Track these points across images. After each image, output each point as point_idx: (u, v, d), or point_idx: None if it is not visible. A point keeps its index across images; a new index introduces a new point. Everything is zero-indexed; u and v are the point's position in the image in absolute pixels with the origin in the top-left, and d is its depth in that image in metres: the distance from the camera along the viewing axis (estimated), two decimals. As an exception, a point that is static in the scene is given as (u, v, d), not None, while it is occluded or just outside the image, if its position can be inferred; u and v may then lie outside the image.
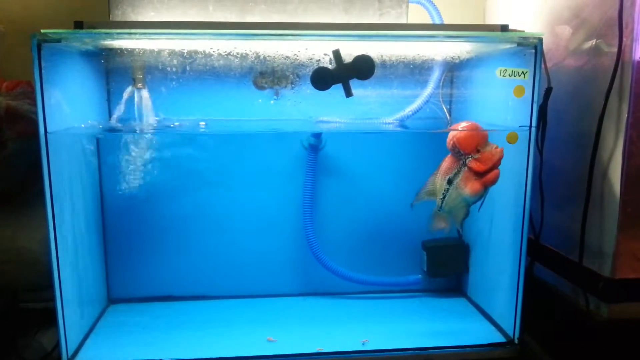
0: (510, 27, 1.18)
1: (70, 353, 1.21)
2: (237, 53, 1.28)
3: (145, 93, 1.33)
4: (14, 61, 1.43)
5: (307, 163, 1.50)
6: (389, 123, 1.43)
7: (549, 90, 1.20)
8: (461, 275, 1.61)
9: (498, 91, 1.30)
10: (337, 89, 1.18)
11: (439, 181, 1.23)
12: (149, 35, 1.14)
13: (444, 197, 1.23)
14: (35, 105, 1.10)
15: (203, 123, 1.38)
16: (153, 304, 1.53)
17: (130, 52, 1.29)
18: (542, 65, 1.17)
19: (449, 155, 1.22)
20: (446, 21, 1.43)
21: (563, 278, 1.32)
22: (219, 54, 1.29)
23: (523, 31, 1.18)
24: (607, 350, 1.19)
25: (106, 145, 1.44)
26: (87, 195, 1.38)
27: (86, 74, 1.35)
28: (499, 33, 1.18)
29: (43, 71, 1.09)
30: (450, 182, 1.21)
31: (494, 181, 1.18)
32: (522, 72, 1.18)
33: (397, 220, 1.55)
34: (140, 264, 1.52)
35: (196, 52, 1.31)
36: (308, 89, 1.19)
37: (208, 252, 1.54)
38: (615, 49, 1.11)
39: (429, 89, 1.43)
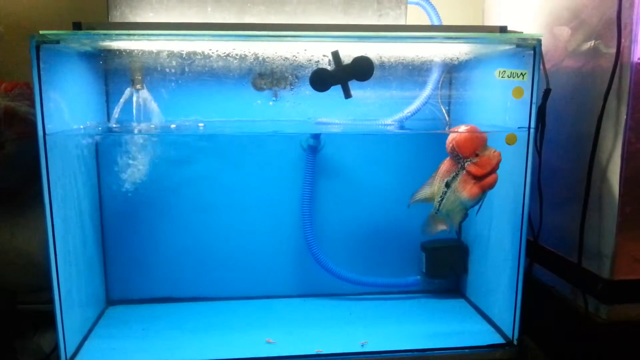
0: (509, 29, 1.18)
1: (69, 355, 1.21)
2: (236, 54, 1.28)
3: (143, 94, 1.32)
4: (12, 62, 1.43)
5: (306, 164, 1.50)
6: (387, 124, 1.43)
7: (547, 92, 1.20)
8: (460, 276, 1.61)
9: (497, 92, 1.30)
10: (336, 90, 1.18)
11: (437, 184, 1.23)
12: (147, 36, 1.14)
13: (441, 200, 1.23)
14: (33, 106, 1.10)
15: (202, 124, 1.38)
16: (152, 305, 1.52)
17: (129, 53, 1.29)
18: (541, 67, 1.17)
19: (448, 158, 1.22)
20: (445, 22, 1.43)
21: (562, 279, 1.32)
22: (218, 55, 1.29)
23: (522, 32, 1.18)
24: (606, 352, 1.19)
25: (105, 146, 1.44)
26: (86, 197, 1.38)
27: (85, 75, 1.34)
28: (498, 34, 1.18)
29: (42, 72, 1.08)
30: (448, 185, 1.21)
31: (491, 185, 1.19)
32: (521, 74, 1.18)
33: (396, 221, 1.55)
34: (139, 266, 1.52)
35: (195, 53, 1.31)
36: (307, 90, 1.19)
37: (207, 254, 1.53)
38: (614, 50, 1.11)
39: (427, 90, 1.43)
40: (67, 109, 1.20)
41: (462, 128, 1.20)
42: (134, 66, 1.31)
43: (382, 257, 1.58)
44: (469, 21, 1.64)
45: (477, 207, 1.22)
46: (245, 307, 1.52)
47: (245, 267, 1.55)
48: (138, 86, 1.32)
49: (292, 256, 1.57)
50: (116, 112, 1.34)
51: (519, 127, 1.21)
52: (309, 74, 1.17)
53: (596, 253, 1.19)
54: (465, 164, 1.19)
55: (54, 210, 1.14)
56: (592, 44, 1.20)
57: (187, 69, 1.34)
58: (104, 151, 1.44)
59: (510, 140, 1.20)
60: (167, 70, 1.33)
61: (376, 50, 1.29)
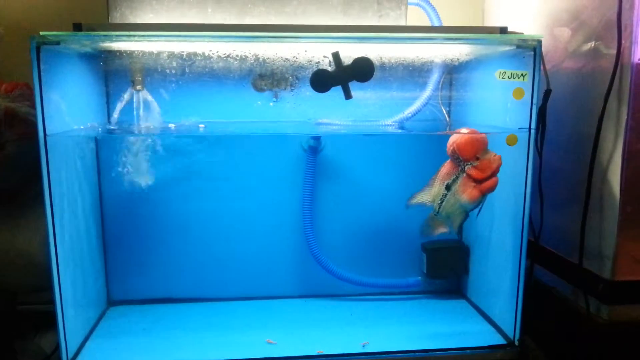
0: (509, 30, 1.18)
1: (70, 356, 1.21)
2: (237, 55, 1.28)
3: (144, 95, 1.33)
4: (12, 63, 1.43)
5: (307, 165, 1.50)
6: (388, 125, 1.43)
7: (548, 92, 1.20)
8: (461, 277, 1.61)
9: (497, 93, 1.30)
10: (336, 91, 1.18)
11: (437, 186, 1.23)
12: (147, 37, 1.14)
13: (441, 202, 1.23)
14: (34, 107, 1.10)
15: (202, 125, 1.38)
16: (153, 306, 1.52)
17: (129, 54, 1.29)
18: (541, 68, 1.17)
19: (448, 160, 1.22)
20: (445, 23, 1.43)
21: (563, 280, 1.32)
22: (218, 56, 1.29)
23: (522, 33, 1.18)
24: (607, 353, 1.19)
25: (105, 147, 1.44)
26: (86, 197, 1.38)
27: (85, 76, 1.34)
28: (498, 35, 1.18)
29: (42, 73, 1.08)
30: (448, 187, 1.21)
31: (491, 189, 1.18)
32: (522, 74, 1.18)
33: (396, 222, 1.55)
34: (140, 266, 1.52)
35: (195, 54, 1.31)
36: (307, 91, 1.19)
37: (208, 254, 1.53)
38: (614, 51, 1.11)
39: (428, 91, 1.43)
40: (67, 109, 1.20)
41: (464, 131, 1.20)
42: (134, 67, 1.31)
43: (383, 258, 1.58)
44: (469, 22, 1.64)
45: (477, 210, 1.22)
46: (245, 307, 1.52)
47: (245, 267, 1.55)
48: (138, 87, 1.32)
49: (292, 257, 1.57)
50: (116, 113, 1.34)
51: (519, 128, 1.21)
52: (310, 75, 1.17)
53: (597, 254, 1.19)
54: (466, 167, 1.19)
55: (54, 211, 1.14)
56: (593, 45, 1.20)
57: (187, 70, 1.34)
58: (105, 152, 1.45)
59: (511, 141, 1.20)
60: (168, 71, 1.33)
61: (376, 51, 1.29)
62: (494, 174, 1.17)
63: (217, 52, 1.28)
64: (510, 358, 1.28)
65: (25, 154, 1.36)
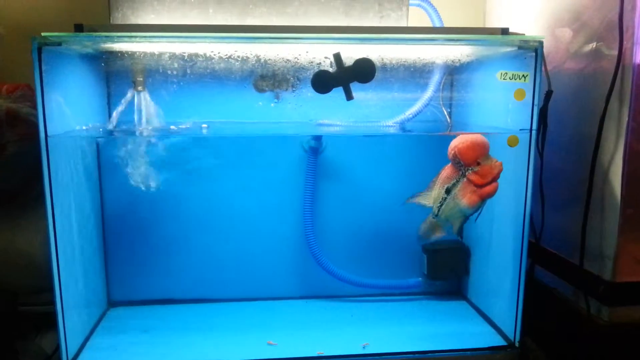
0: (510, 30, 1.18)
1: (70, 356, 1.21)
2: (238, 56, 1.28)
3: (145, 96, 1.33)
4: (14, 64, 1.43)
5: (308, 166, 1.50)
6: (389, 126, 1.43)
7: (549, 93, 1.20)
8: (461, 278, 1.61)
9: (498, 94, 1.30)
10: (337, 92, 1.18)
11: (437, 189, 1.23)
12: (149, 38, 1.14)
13: (440, 205, 1.23)
14: (35, 108, 1.10)
15: (205, 125, 1.38)
16: (153, 307, 1.52)
17: (131, 55, 1.29)
18: (543, 69, 1.17)
19: (449, 164, 1.22)
20: (446, 24, 1.43)
21: (564, 281, 1.32)
22: (220, 57, 1.29)
23: (523, 34, 1.18)
24: (608, 354, 1.19)
25: (106, 148, 1.44)
26: (87, 198, 1.38)
27: (86, 77, 1.35)
28: (500, 36, 1.18)
29: (43, 74, 1.08)
30: (448, 191, 1.21)
31: (491, 194, 1.18)
32: (523, 75, 1.18)
33: (397, 223, 1.55)
34: (140, 267, 1.52)
35: (196, 55, 1.31)
36: (309, 92, 1.19)
37: (208, 255, 1.53)
38: (616, 52, 1.11)
39: (429, 92, 1.43)
40: (68, 110, 1.20)
41: (467, 136, 1.19)
42: (135, 68, 1.31)
43: (384, 259, 1.58)
44: (471, 23, 1.64)
45: (476, 214, 1.22)
46: (246, 308, 1.52)
47: (246, 268, 1.55)
48: (139, 88, 1.32)
49: (293, 258, 1.56)
50: (118, 114, 1.34)
51: (520, 129, 1.21)
52: (311, 76, 1.17)
53: (598, 255, 1.19)
54: (467, 172, 1.18)
55: (55, 212, 1.14)
56: (594, 46, 1.20)
57: (188, 71, 1.34)
58: (106, 153, 1.45)
59: (512, 142, 1.20)
60: (169, 72, 1.33)
61: (378, 52, 1.29)
62: (494, 179, 1.17)
63: (219, 53, 1.28)
64: (511, 359, 1.28)
65: (26, 154, 1.36)
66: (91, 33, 1.10)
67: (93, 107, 1.39)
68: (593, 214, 1.20)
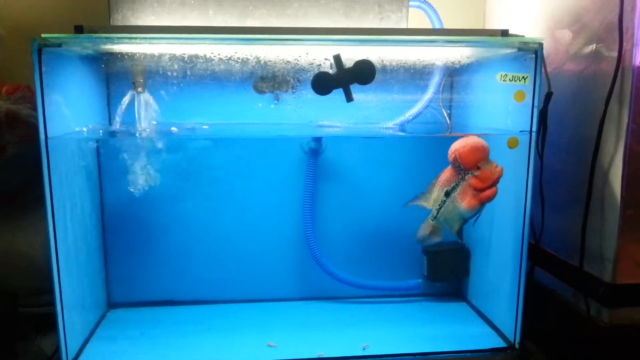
0: (510, 32, 1.18)
1: (70, 358, 1.21)
2: (238, 57, 1.28)
3: (145, 97, 1.33)
4: (14, 65, 1.43)
5: (308, 167, 1.50)
6: (389, 127, 1.43)
7: (549, 95, 1.20)
8: (461, 279, 1.61)
9: (498, 96, 1.30)
10: (337, 94, 1.18)
11: (436, 191, 1.22)
12: (149, 39, 1.14)
13: (439, 208, 1.23)
14: (35, 109, 1.10)
15: (206, 126, 1.38)
16: (153, 308, 1.52)
17: (131, 56, 1.29)
18: (543, 70, 1.17)
19: (449, 167, 1.22)
20: (446, 25, 1.43)
21: (564, 283, 1.31)
22: (220, 59, 1.29)
23: (523, 36, 1.18)
24: (608, 356, 1.19)
25: (106, 149, 1.44)
26: (87, 199, 1.38)
27: (86, 78, 1.35)
28: (499, 38, 1.18)
29: (43, 76, 1.08)
30: (447, 194, 1.21)
31: (490, 199, 1.18)
32: (523, 77, 1.18)
33: (397, 224, 1.55)
34: (140, 269, 1.52)
35: (196, 56, 1.31)
36: (309, 93, 1.19)
37: (208, 257, 1.53)
38: (616, 54, 1.11)
39: (429, 94, 1.43)
40: (68, 112, 1.20)
41: (468, 140, 1.18)
42: (135, 69, 1.31)
43: (384, 260, 1.58)
44: (470, 24, 1.64)
45: (474, 218, 1.22)
46: (246, 310, 1.52)
47: (246, 270, 1.55)
48: (139, 89, 1.32)
49: (293, 259, 1.56)
50: (118, 115, 1.34)
51: (520, 131, 1.21)
52: (311, 78, 1.17)
53: (598, 256, 1.19)
54: (466, 176, 1.18)
55: (55, 213, 1.14)
56: (594, 48, 1.20)
57: (188, 72, 1.34)
58: (106, 154, 1.45)
59: (512, 143, 1.20)
60: (169, 73, 1.33)
61: (378, 54, 1.29)
62: (493, 184, 1.17)
63: (219, 54, 1.28)
64: (511, 361, 1.29)
65: (26, 156, 1.36)
66: (91, 34, 1.10)
67: (93, 108, 1.39)
68: (593, 215, 1.20)
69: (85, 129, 1.31)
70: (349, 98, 1.19)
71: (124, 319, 1.47)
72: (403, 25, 1.25)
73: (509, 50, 1.23)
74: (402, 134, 1.45)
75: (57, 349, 1.18)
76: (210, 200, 1.50)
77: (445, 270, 1.56)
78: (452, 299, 1.60)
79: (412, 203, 1.27)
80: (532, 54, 1.17)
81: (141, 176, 1.40)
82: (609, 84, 1.13)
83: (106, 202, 1.48)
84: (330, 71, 1.19)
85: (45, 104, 1.10)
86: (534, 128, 1.19)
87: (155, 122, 1.35)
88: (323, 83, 1.18)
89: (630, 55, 1.09)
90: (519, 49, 1.19)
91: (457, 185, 1.19)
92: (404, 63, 1.37)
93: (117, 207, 1.48)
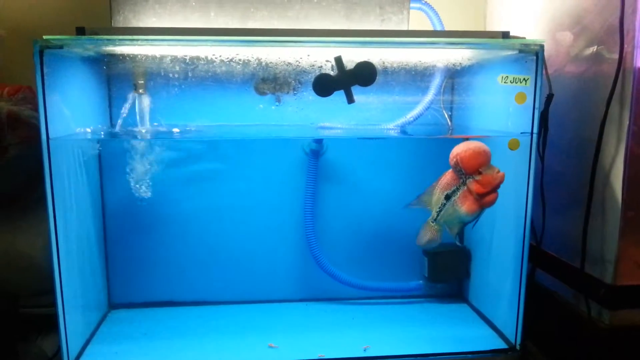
0: (511, 34, 1.18)
1: (71, 359, 1.21)
2: (239, 59, 1.28)
3: (146, 99, 1.33)
4: (15, 66, 1.43)
5: (309, 168, 1.51)
6: (390, 129, 1.43)
7: (550, 97, 1.20)
8: (462, 281, 1.61)
9: (499, 98, 1.30)
10: (338, 95, 1.18)
11: (436, 194, 1.22)
12: (150, 41, 1.14)
13: (439, 211, 1.23)
14: (36, 110, 1.10)
15: (208, 124, 1.38)
16: (154, 309, 1.52)
17: (132, 58, 1.29)
18: (544, 72, 1.17)
19: (450, 170, 1.21)
20: (447, 27, 1.43)
21: (564, 284, 1.31)
22: (221, 60, 1.29)
23: (524, 38, 1.19)
24: (609, 357, 1.19)
25: (107, 150, 1.44)
26: (88, 201, 1.38)
27: (87, 79, 1.35)
28: (500, 40, 1.18)
29: (45, 77, 1.09)
30: (448, 197, 1.21)
31: (491, 204, 1.18)
32: (524, 79, 1.19)
33: (398, 225, 1.55)
34: (141, 270, 1.52)
35: (198, 58, 1.31)
36: (310, 95, 1.19)
37: (209, 258, 1.53)
38: (616, 56, 1.11)
39: (430, 95, 1.43)
40: (70, 113, 1.20)
41: (470, 144, 1.18)
42: (136, 71, 1.31)
43: (385, 261, 1.58)
44: (471, 26, 1.65)
45: (473, 222, 1.22)
46: (247, 311, 1.52)
47: (247, 271, 1.55)
48: (141, 91, 1.32)
49: (294, 260, 1.57)
50: (120, 117, 1.35)
51: (521, 132, 1.21)
52: (312, 79, 1.18)
53: (599, 258, 1.19)
54: (467, 180, 1.18)
55: (56, 214, 1.14)
56: (595, 50, 1.20)
57: (190, 74, 1.34)
58: (107, 155, 1.45)
59: (513, 145, 1.20)
60: (170, 75, 1.33)
61: (379, 56, 1.30)
62: (494, 189, 1.16)
63: (220, 56, 1.28)
64: (512, 362, 1.29)
65: (27, 157, 1.36)
66: (93, 36, 1.11)
67: (94, 109, 1.39)
68: (594, 217, 1.20)
69: (86, 130, 1.31)
70: (350, 100, 1.19)
71: (125, 319, 1.47)
72: (404, 27, 1.26)
73: (509, 52, 1.23)
74: (403, 135, 1.45)
75: (58, 349, 1.19)
76: (211, 201, 1.50)
77: (446, 272, 1.56)
78: (453, 300, 1.60)
79: (413, 205, 1.27)
80: (533, 55, 1.17)
81: (142, 177, 1.40)
82: (609, 86, 1.13)
83: (107, 203, 1.48)
84: (332, 73, 1.19)
85: (47, 105, 1.10)
86: (535, 130, 1.19)
87: (156, 124, 1.35)
88: (324, 85, 1.18)
89: (631, 57, 1.09)
90: (520, 51, 1.19)
91: (457, 189, 1.19)
92: (405, 65, 1.37)
93: (118, 208, 1.48)
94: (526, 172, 1.22)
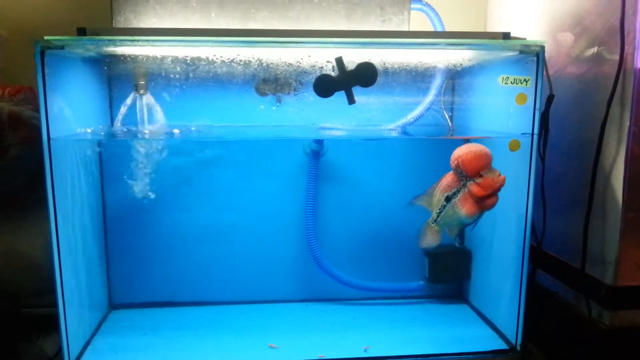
0: (512, 35, 1.19)
1: (72, 359, 1.21)
2: (240, 60, 1.28)
3: (147, 99, 1.33)
4: (16, 67, 1.44)
5: (309, 169, 1.51)
6: (390, 130, 1.43)
7: (550, 98, 1.20)
8: (463, 281, 1.61)
9: (500, 98, 1.30)
10: (339, 96, 1.19)
11: (437, 196, 1.22)
12: (151, 42, 1.14)
13: (440, 212, 1.23)
14: (37, 111, 1.10)
15: (210, 124, 1.38)
16: (154, 309, 1.52)
17: (133, 58, 1.29)
18: (544, 73, 1.17)
19: (451, 172, 1.21)
20: (447, 28, 1.43)
21: (565, 285, 1.32)
22: (222, 61, 1.29)
23: (525, 39, 1.19)
24: (609, 358, 1.19)
25: (108, 151, 1.44)
26: (89, 201, 1.38)
27: (88, 80, 1.35)
28: (501, 41, 1.18)
29: (46, 77, 1.09)
30: (448, 199, 1.21)
31: (491, 207, 1.18)
32: (524, 80, 1.19)
33: (398, 226, 1.55)
34: (142, 270, 1.52)
35: (198, 58, 1.31)
36: (311, 95, 1.19)
37: (209, 258, 1.53)
38: (617, 57, 1.11)
39: (430, 96, 1.44)
40: (71, 113, 1.21)
41: (471, 147, 1.18)
42: (137, 71, 1.31)
43: (385, 262, 1.58)
44: (472, 27, 1.65)
45: (473, 224, 1.22)
46: (247, 311, 1.52)
47: (247, 271, 1.55)
48: (142, 91, 1.32)
49: (295, 261, 1.57)
50: (120, 117, 1.35)
51: (522, 133, 1.21)
52: (313, 80, 1.18)
53: (599, 259, 1.19)
54: (468, 183, 1.18)
55: (57, 214, 1.15)
56: (595, 51, 1.20)
57: (190, 75, 1.34)
58: (107, 156, 1.45)
59: (514, 146, 1.20)
60: (171, 75, 1.33)
61: (379, 56, 1.30)
62: (495, 192, 1.16)
63: (221, 56, 1.28)
64: (512, 363, 1.29)
65: (28, 157, 1.36)
66: (94, 37, 1.11)
67: (95, 110, 1.39)
68: (594, 218, 1.20)
69: (87, 131, 1.31)
70: (351, 100, 1.19)
71: (126, 320, 1.47)
72: (405, 28, 1.26)
73: (510, 53, 1.23)
74: (403, 136, 1.45)
75: (59, 350, 1.19)
76: (211, 201, 1.51)
77: (447, 272, 1.56)
78: (453, 300, 1.60)
79: (415, 202, 1.27)
80: (533, 56, 1.17)
81: (143, 177, 1.40)
82: (610, 87, 1.13)
83: (108, 203, 1.48)
84: (332, 74, 1.19)
85: (48, 105, 1.10)
86: (536, 131, 1.20)
87: (157, 124, 1.35)
88: (325, 85, 1.18)
89: (631, 58, 1.09)
90: (521, 52, 1.19)
91: (458, 191, 1.19)
92: (406, 65, 1.37)
93: (118, 208, 1.48)
94: (527, 173, 1.22)
